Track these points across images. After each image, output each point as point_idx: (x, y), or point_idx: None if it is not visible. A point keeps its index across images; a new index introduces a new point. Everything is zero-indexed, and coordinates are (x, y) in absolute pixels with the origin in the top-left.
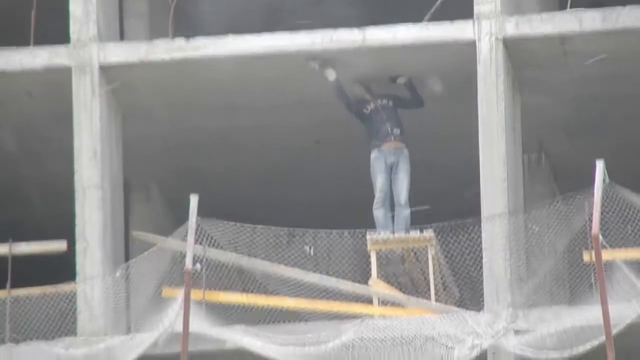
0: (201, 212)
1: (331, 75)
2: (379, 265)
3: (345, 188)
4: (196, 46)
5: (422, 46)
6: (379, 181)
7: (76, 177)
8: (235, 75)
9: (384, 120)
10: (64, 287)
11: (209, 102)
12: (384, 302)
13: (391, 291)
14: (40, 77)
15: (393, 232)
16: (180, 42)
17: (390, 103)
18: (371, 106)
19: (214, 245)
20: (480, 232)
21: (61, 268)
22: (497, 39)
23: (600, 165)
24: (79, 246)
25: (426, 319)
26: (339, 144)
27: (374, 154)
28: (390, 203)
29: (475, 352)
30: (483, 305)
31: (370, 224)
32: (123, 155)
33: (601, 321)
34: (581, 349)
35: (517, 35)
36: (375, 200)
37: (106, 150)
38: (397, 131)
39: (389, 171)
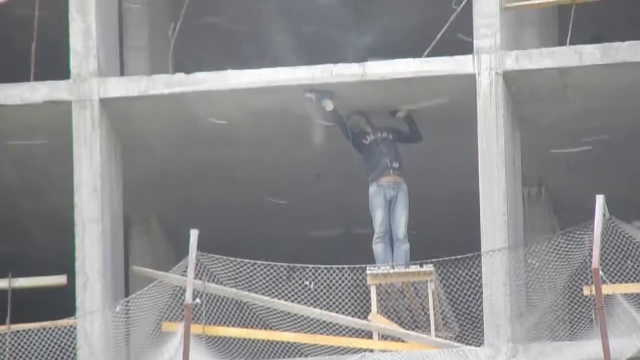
0: (201, 245)
1: (329, 106)
2: (379, 300)
3: (345, 222)
4: (196, 80)
5: (422, 80)
6: (378, 216)
7: (76, 211)
8: (235, 109)
9: (383, 153)
10: (64, 322)
11: (208, 135)
12: (384, 337)
13: (391, 326)
14: (40, 112)
15: (392, 267)
16: (180, 76)
17: (390, 136)
18: (371, 138)
19: (213, 280)
20: (480, 266)
21: (61, 302)
22: (497, 73)
23: (600, 200)
24: (78, 280)
25: (426, 353)
26: (339, 177)
27: (372, 188)
28: (390, 237)
29: None
30: (483, 339)
31: (370, 258)
32: (123, 189)
33: (601, 355)
34: None
35: (517, 69)
36: (375, 235)
37: (106, 184)
38: (396, 165)
39: (388, 205)
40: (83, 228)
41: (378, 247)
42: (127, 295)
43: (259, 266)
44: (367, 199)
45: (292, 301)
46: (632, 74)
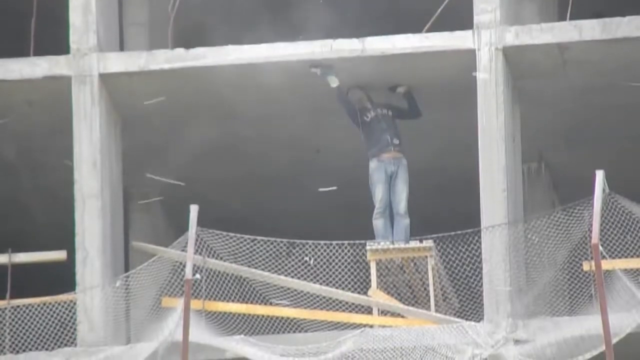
0: (201, 221)
1: (334, 82)
2: (379, 276)
3: (345, 197)
4: (196, 56)
5: (422, 56)
6: (379, 191)
7: (76, 186)
8: (235, 84)
9: (383, 129)
10: (64, 297)
11: (209, 111)
12: (383, 312)
13: (391, 301)
14: (40, 87)
15: (393, 242)
16: (179, 51)
17: (390, 112)
18: (371, 114)
19: (213, 255)
20: (480, 242)
21: (61, 278)
22: (496, 48)
23: (600, 175)
24: (78, 256)
25: (426, 329)
26: (339, 152)
27: (373, 164)
28: (390, 212)
29: None
30: (483, 315)
31: (370, 233)
32: (123, 164)
33: (601, 331)
34: (581, 358)
35: (516, 44)
36: (375, 210)
37: (106, 159)
38: (396, 141)
39: (389, 181)
40: (83, 203)
41: (378, 223)
42: (127, 270)
43: (258, 242)
44: (367, 173)
45: (292, 277)
46: (632, 50)
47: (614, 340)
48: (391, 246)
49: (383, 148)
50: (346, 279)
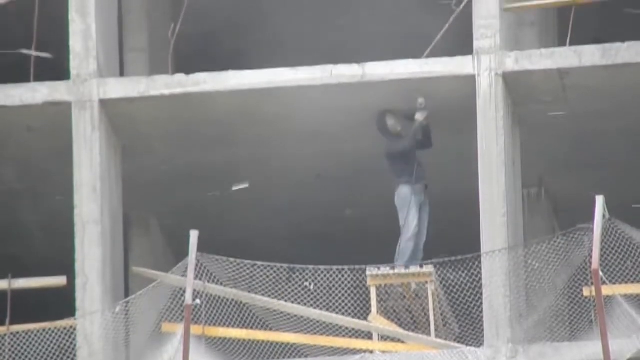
0: (201, 246)
1: (421, 116)
2: (379, 301)
3: (345, 221)
4: (196, 81)
5: (422, 81)
6: (413, 215)
7: (76, 212)
8: (235, 110)
9: (415, 160)
10: (64, 323)
11: (208, 136)
12: (384, 338)
13: (391, 326)
14: (40, 113)
15: (393, 267)
16: (180, 77)
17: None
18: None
19: (213, 280)
20: (480, 267)
21: (61, 304)
22: (496, 74)
23: (600, 200)
24: (78, 281)
25: (426, 354)
26: (339, 177)
27: (406, 189)
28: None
29: None
30: (483, 340)
31: (369, 257)
32: (123, 190)
33: (601, 356)
34: None
35: (516, 70)
36: (409, 234)
37: (106, 185)
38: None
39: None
40: (83, 229)
41: (409, 245)
42: (126, 296)
43: (259, 267)
44: (366, 198)
45: (292, 302)
46: (632, 75)
47: None
48: (391, 271)
49: (418, 179)
50: (346, 304)
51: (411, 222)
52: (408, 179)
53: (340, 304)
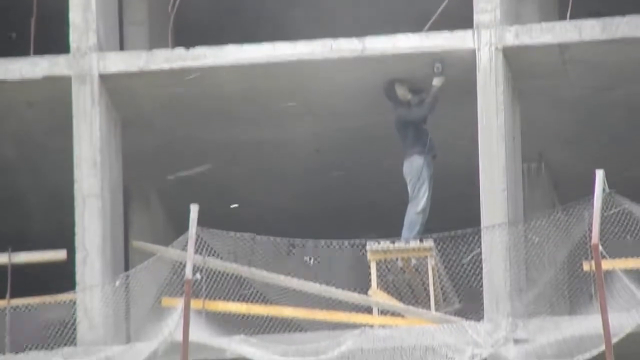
0: (201, 221)
1: (439, 82)
2: (379, 275)
3: (344, 196)
4: (196, 56)
5: (422, 55)
6: (425, 188)
7: (76, 186)
8: (235, 84)
9: (427, 132)
10: (64, 297)
11: (209, 111)
12: (383, 312)
13: (391, 301)
14: (40, 87)
15: (393, 242)
16: (180, 51)
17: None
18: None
19: (213, 255)
20: (480, 241)
21: (61, 278)
22: (496, 48)
23: (600, 174)
24: (78, 255)
25: (426, 329)
26: (338, 152)
27: (420, 160)
28: None
29: None
30: (483, 314)
31: (368, 232)
32: (122, 164)
33: (601, 330)
34: (581, 358)
35: (516, 44)
36: (422, 206)
37: (106, 159)
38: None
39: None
40: (83, 203)
41: (418, 219)
42: (126, 270)
43: (258, 241)
44: (366, 173)
45: (292, 276)
46: (632, 49)
47: (614, 340)
48: (391, 246)
49: (430, 150)
50: (346, 279)
51: (422, 196)
52: (421, 149)
53: (340, 278)
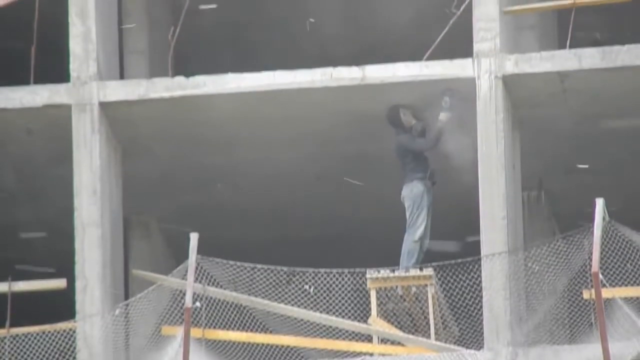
0: (201, 249)
1: (445, 117)
2: (379, 304)
3: (346, 224)
4: (196, 84)
5: (422, 84)
6: (424, 217)
7: (76, 214)
8: (235, 112)
9: (427, 158)
10: (63, 326)
11: (208, 139)
12: (383, 341)
13: (391, 329)
14: (40, 116)
15: (393, 270)
16: (179, 80)
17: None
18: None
19: (213, 283)
20: (480, 270)
21: (61, 306)
22: (496, 77)
23: (600, 203)
24: (78, 284)
25: (426, 357)
26: (339, 180)
27: (420, 186)
28: None
29: None
30: (483, 343)
31: (369, 260)
32: (123, 192)
33: (601, 359)
34: None
35: (516, 73)
36: (418, 235)
37: (106, 187)
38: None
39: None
40: (83, 231)
41: (415, 248)
42: (126, 298)
43: (258, 270)
44: (366, 201)
45: (292, 305)
46: (632, 78)
47: None
48: (391, 274)
49: (431, 177)
50: (346, 307)
51: (420, 224)
52: (422, 175)
53: (340, 307)
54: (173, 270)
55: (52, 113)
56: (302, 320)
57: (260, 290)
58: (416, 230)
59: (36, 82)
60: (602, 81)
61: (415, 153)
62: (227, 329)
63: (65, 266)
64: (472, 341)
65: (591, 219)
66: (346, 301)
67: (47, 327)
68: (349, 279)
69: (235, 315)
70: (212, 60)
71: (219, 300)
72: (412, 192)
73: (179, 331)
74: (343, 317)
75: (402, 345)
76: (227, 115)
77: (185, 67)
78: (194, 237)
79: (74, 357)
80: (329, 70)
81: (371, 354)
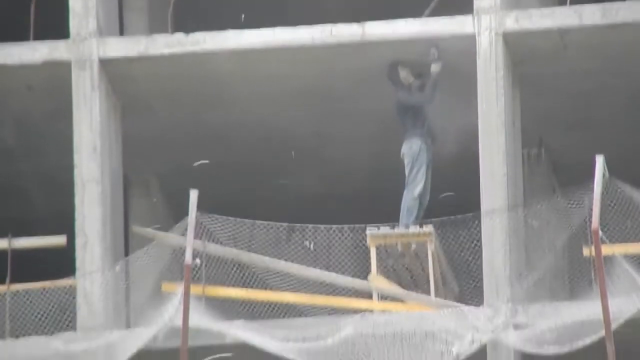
0: (201, 206)
1: (437, 68)
2: (379, 260)
3: (344, 182)
4: (195, 41)
5: (422, 40)
6: (422, 173)
7: (76, 171)
8: (235, 69)
9: (426, 116)
10: (63, 282)
11: (208, 96)
12: (383, 298)
13: (391, 286)
14: (40, 72)
15: (392, 227)
16: (179, 36)
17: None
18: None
19: (213, 240)
20: (480, 227)
21: (61, 263)
22: (496, 33)
23: (600, 160)
24: (78, 241)
25: (426, 314)
26: (339, 137)
27: (419, 143)
28: None
29: (474, 347)
30: (482, 300)
31: (369, 216)
32: (122, 149)
33: (601, 316)
34: (581, 343)
35: (516, 29)
36: (417, 191)
37: (106, 144)
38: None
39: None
40: (83, 188)
41: (415, 205)
42: (126, 255)
43: (258, 226)
44: (367, 158)
45: (292, 261)
46: (632, 34)
47: (614, 325)
48: (391, 231)
49: (429, 134)
50: (346, 264)
51: (419, 181)
52: (420, 132)
53: (340, 264)
54: (173, 226)
55: (52, 69)
56: (302, 277)
57: (260, 247)
58: (415, 186)
59: (36, 38)
60: (603, 37)
61: (414, 110)
62: (227, 286)
63: (65, 223)
64: (471, 298)
65: (591, 175)
66: (346, 258)
67: (47, 284)
68: (348, 236)
69: (235, 272)
70: (212, 16)
71: (219, 257)
72: (411, 149)
73: (179, 288)
74: (343, 273)
75: (402, 302)
76: (226, 72)
77: (185, 23)
78: (193, 194)
79: (74, 314)
80: (328, 26)
81: (371, 311)
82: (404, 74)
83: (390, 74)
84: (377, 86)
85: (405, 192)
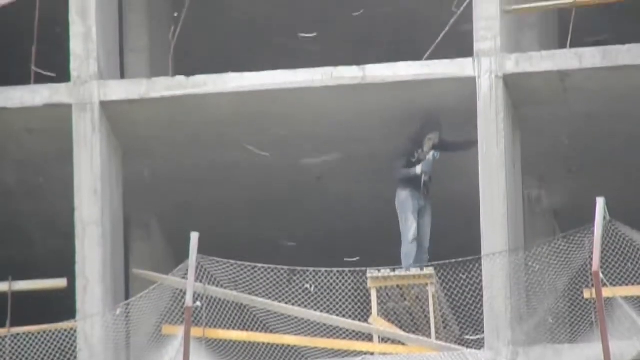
0: (201, 248)
1: (419, 170)
2: (380, 303)
3: (345, 223)
4: (196, 83)
5: (422, 83)
6: (411, 219)
7: (76, 214)
8: (236, 111)
9: (423, 171)
10: (64, 325)
11: (209, 138)
12: (384, 340)
13: (392, 328)
14: (41, 115)
15: (393, 269)
16: (180, 79)
17: (437, 155)
18: (416, 157)
19: (214, 283)
20: (481, 269)
21: (61, 306)
22: (497, 76)
23: (600, 202)
24: (79, 283)
25: (427, 356)
26: (340, 180)
27: (405, 193)
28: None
29: None
30: (484, 342)
31: (370, 258)
32: (123, 192)
33: (602, 358)
34: None
35: (517, 72)
36: (411, 237)
37: (106, 187)
38: (428, 179)
39: (418, 213)
40: (83, 231)
41: (412, 248)
42: (127, 298)
43: (259, 269)
44: (367, 200)
45: (293, 304)
46: (632, 78)
47: None
48: (392, 273)
49: (418, 187)
50: (347, 306)
51: (409, 226)
52: (405, 185)
53: (340, 306)
54: (173, 269)
55: (53, 112)
56: (303, 319)
57: (261, 289)
58: (407, 232)
59: (37, 81)
60: (603, 80)
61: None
62: (228, 328)
63: (65, 266)
64: (472, 340)
65: (592, 218)
66: (347, 300)
67: (47, 327)
68: (349, 278)
69: (236, 315)
70: (213, 59)
71: (220, 299)
72: (398, 199)
73: (179, 330)
74: (344, 316)
75: (403, 344)
76: (227, 114)
77: (186, 64)
78: (194, 237)
79: (75, 357)
80: (329, 69)
81: (372, 353)
82: (429, 144)
83: (417, 135)
84: (378, 128)
85: (402, 239)
